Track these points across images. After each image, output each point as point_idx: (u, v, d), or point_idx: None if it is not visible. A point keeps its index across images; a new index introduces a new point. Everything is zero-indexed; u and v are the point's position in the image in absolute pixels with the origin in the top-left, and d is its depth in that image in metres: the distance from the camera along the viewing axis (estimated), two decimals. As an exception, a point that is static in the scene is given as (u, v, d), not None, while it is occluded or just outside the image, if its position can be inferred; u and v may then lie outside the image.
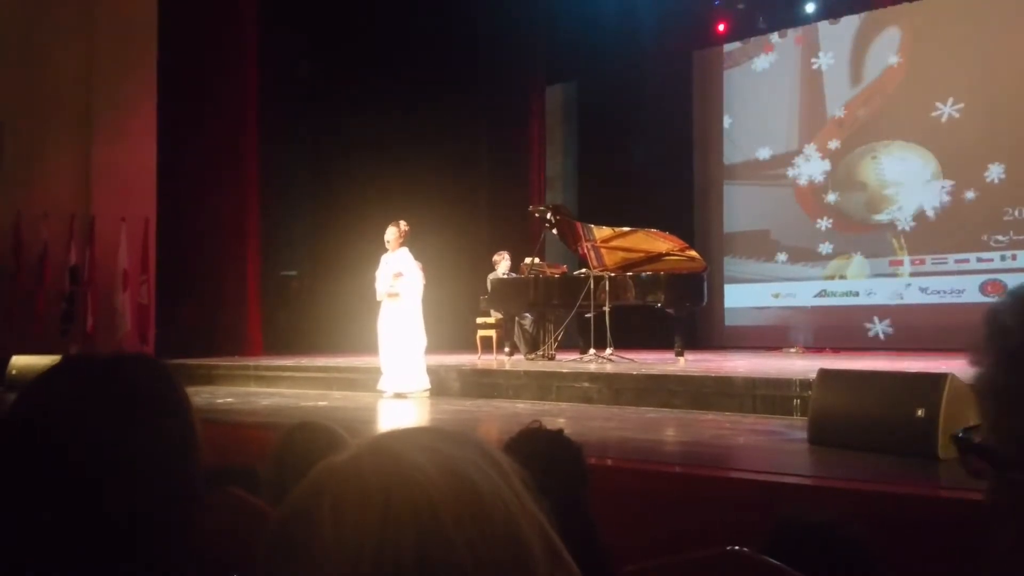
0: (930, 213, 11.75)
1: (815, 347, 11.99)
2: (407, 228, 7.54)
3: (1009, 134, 11.08)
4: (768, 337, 12.85)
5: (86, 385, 0.92)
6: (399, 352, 7.35)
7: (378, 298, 7.52)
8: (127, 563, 0.85)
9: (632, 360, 8.52)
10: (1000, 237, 11.13)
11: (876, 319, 12.10)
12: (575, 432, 2.98)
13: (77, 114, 10.51)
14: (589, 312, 8.84)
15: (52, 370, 0.96)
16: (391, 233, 7.49)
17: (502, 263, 10.12)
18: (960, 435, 0.78)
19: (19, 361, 8.46)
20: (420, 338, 7.43)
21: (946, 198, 11.61)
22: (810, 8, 12.81)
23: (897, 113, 12.08)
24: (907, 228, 11.91)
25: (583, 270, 9.31)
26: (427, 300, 7.84)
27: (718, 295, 13.19)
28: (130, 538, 0.86)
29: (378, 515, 0.56)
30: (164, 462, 0.90)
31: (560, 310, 9.34)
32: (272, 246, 12.95)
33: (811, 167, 12.87)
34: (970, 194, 11.36)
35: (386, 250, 7.56)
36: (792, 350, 11.74)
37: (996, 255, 11.16)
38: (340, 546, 0.56)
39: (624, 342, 9.21)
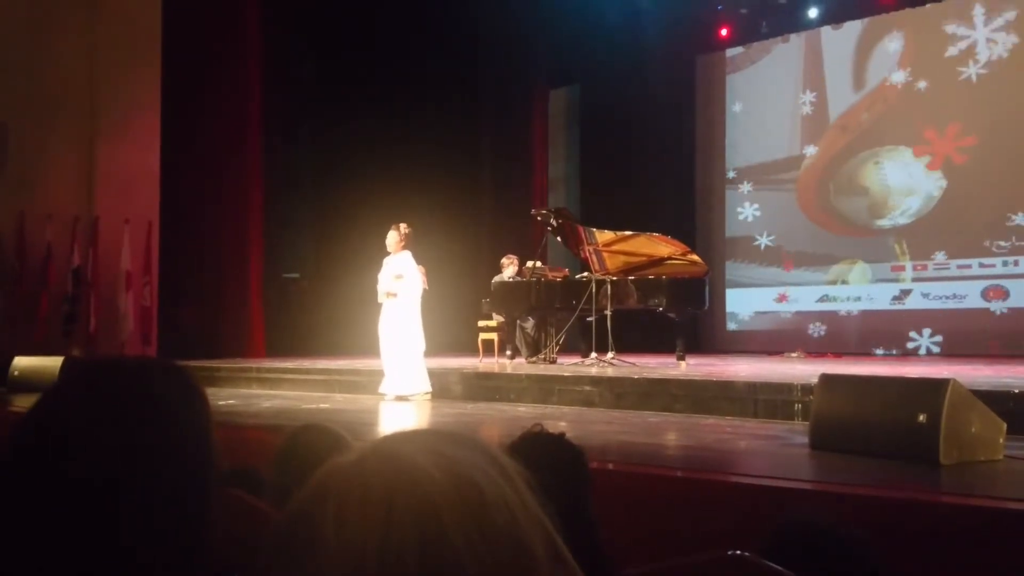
0: (932, 218, 11.74)
1: (817, 352, 11.98)
2: (408, 231, 7.51)
3: (1012, 139, 11.07)
4: (770, 342, 12.85)
5: (108, 392, 0.91)
6: (398, 355, 7.34)
7: (379, 300, 7.52)
8: (137, 571, 0.85)
9: (633, 364, 8.52)
10: (1002, 243, 11.12)
11: (878, 324, 12.09)
12: (576, 436, 2.98)
13: (81, 116, 10.53)
14: (591, 316, 8.84)
15: (73, 375, 0.95)
16: (392, 237, 7.47)
17: (509, 267, 10.09)
18: None
19: (22, 362, 8.47)
20: (418, 341, 7.41)
21: (948, 203, 11.61)
22: (813, 13, 12.81)
23: (900, 118, 12.07)
24: (909, 233, 11.91)
25: (585, 274, 9.31)
26: (429, 302, 7.84)
27: (720, 299, 13.19)
28: (143, 545, 0.86)
29: (381, 518, 0.56)
30: (182, 472, 0.90)
31: (562, 313, 9.35)
32: (275, 248, 12.96)
33: (813, 172, 12.87)
34: (973, 199, 11.35)
35: (389, 253, 7.55)
36: (794, 355, 11.72)
37: (998, 260, 11.15)
38: (343, 548, 0.56)
39: (626, 346, 9.20)
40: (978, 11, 11.49)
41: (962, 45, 11.53)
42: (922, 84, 11.89)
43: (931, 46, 11.85)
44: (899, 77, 12.11)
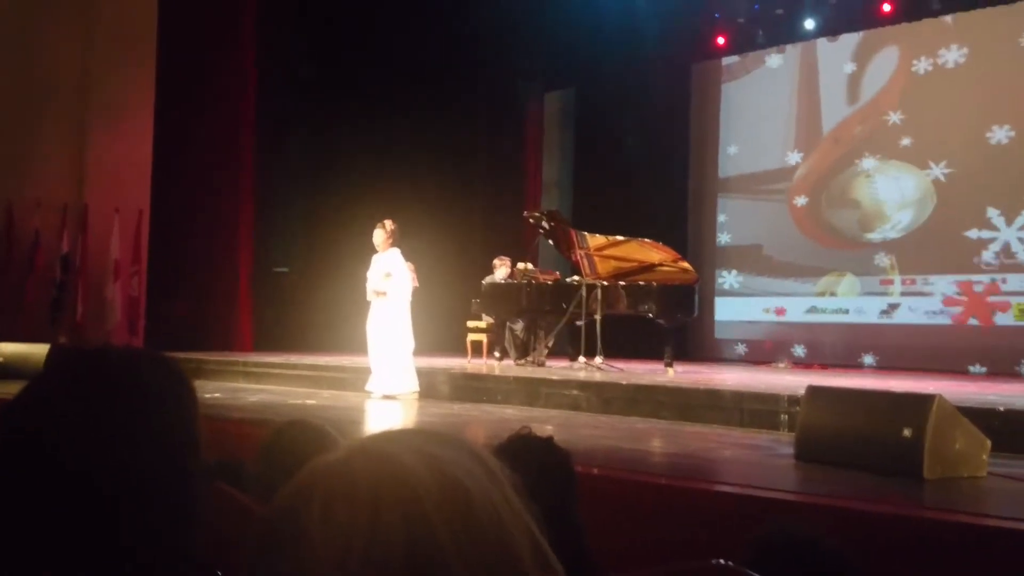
0: (922, 233, 11.78)
1: (804, 363, 12.01)
2: (394, 227, 7.46)
3: (1003, 155, 11.13)
4: (758, 351, 12.89)
5: (96, 381, 0.91)
6: (386, 353, 7.33)
7: (368, 298, 7.50)
8: (124, 564, 0.85)
9: (621, 369, 8.52)
10: (991, 259, 11.18)
11: (866, 337, 12.13)
12: (563, 439, 2.98)
13: (73, 102, 10.47)
14: (580, 320, 8.85)
15: (60, 363, 0.94)
16: (378, 236, 7.43)
17: (501, 268, 10.07)
18: None
19: (7, 348, 8.43)
20: (407, 340, 7.40)
21: (938, 218, 11.65)
22: (810, 25, 12.85)
23: (892, 132, 12.12)
24: (899, 247, 11.95)
25: (576, 277, 9.32)
26: (418, 301, 7.82)
27: (709, 308, 13.21)
28: (128, 538, 0.85)
29: (367, 515, 0.56)
30: (168, 463, 0.90)
31: (551, 317, 9.35)
32: (265, 242, 12.92)
33: (805, 183, 12.91)
34: (962, 215, 11.39)
35: (378, 251, 7.53)
36: (781, 365, 11.76)
37: (986, 277, 11.21)
38: (328, 545, 0.56)
39: (614, 351, 9.21)
40: (973, 28, 11.54)
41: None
42: (916, 98, 11.94)
43: (926, 60, 11.88)
44: (893, 91, 12.15)
